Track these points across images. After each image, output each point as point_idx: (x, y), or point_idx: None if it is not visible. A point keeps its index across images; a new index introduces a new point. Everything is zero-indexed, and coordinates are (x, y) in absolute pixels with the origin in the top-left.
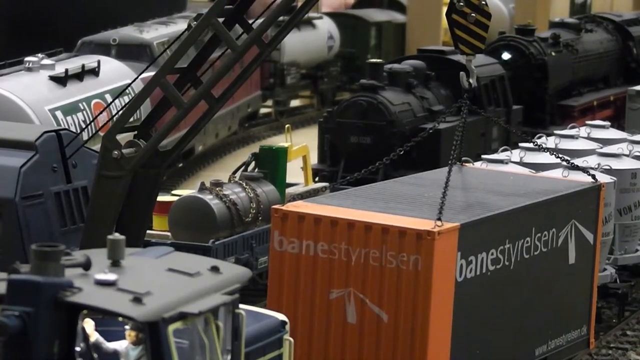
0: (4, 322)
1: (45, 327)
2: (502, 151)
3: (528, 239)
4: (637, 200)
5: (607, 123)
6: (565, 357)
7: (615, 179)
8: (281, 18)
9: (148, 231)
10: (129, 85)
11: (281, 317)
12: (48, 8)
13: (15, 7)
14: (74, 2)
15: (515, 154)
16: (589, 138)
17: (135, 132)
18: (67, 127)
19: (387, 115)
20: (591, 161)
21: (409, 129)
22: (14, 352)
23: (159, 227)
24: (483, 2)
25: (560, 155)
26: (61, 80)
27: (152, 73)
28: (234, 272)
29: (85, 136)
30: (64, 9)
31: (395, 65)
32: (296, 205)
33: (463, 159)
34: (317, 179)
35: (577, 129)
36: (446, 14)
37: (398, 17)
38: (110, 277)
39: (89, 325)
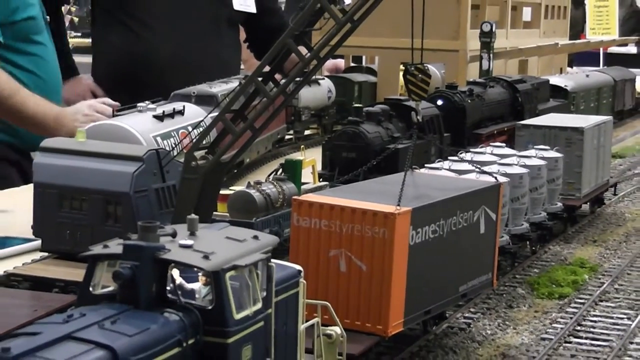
0: (121, 272)
1: (146, 275)
2: (438, 162)
3: (454, 217)
4: (522, 193)
5: (503, 144)
6: (478, 292)
7: (509, 179)
8: (297, 78)
9: (214, 213)
10: (202, 120)
11: (298, 267)
12: (151, 75)
13: (126, 73)
14: (172, 73)
15: (446, 164)
16: (492, 154)
17: (206, 150)
18: (163, 147)
19: (365, 139)
20: (493, 168)
21: (379, 148)
22: (127, 291)
23: (221, 210)
24: (426, 68)
25: (474, 165)
26: (160, 118)
27: (216, 113)
28: (268, 239)
29: (174, 153)
30: (160, 75)
31: (370, 108)
32: (307, 197)
33: (413, 167)
34: (321, 180)
35: (484, 148)
36: (403, 76)
37: (372, 78)
38: (189, 242)
39: (175, 273)
